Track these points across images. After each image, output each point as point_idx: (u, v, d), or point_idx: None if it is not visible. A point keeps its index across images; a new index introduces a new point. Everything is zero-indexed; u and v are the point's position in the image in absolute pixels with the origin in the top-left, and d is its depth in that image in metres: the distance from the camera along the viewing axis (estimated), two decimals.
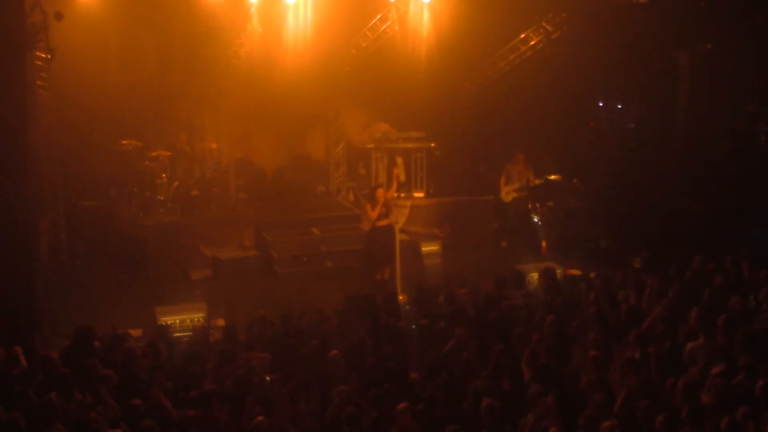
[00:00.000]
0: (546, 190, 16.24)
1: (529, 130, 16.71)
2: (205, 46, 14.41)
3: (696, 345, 8.51)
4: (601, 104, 18.15)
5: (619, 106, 18.00)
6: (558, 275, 12.09)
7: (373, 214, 13.08)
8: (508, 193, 15.55)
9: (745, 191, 14.33)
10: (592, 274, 12.01)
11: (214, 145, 16.13)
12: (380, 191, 13.26)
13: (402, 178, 16.23)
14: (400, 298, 11.54)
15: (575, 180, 16.31)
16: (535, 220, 16.02)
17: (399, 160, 16.49)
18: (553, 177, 16.12)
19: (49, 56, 12.26)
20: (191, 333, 10.25)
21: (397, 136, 16.33)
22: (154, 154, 14.96)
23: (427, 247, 15.50)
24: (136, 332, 10.32)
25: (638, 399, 7.26)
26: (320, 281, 13.68)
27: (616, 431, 6.61)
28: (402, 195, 16.00)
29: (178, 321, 10.82)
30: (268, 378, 8.20)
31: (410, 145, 16.34)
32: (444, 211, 16.20)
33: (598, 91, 17.49)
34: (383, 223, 13.02)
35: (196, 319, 10.85)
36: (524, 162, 15.48)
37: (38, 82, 12.29)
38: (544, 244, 15.48)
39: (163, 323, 10.63)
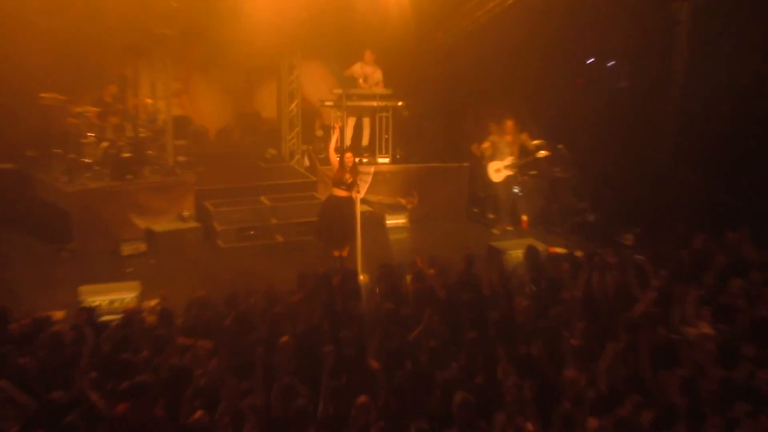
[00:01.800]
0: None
1: (509, 89, 16.66)
2: None
3: (695, 333, 8.57)
4: (590, 60, 18.16)
5: (611, 63, 18.08)
6: (540, 253, 12.14)
7: (333, 156, 12.94)
8: (498, 171, 15.34)
9: (748, 159, 14.38)
10: (578, 253, 12.16)
11: (149, 101, 15.87)
12: (349, 156, 12.85)
13: (365, 140, 16.34)
14: (361, 277, 11.53)
15: (560, 146, 16.13)
16: (516, 190, 15.93)
17: (366, 121, 16.47)
18: (535, 142, 15.88)
19: None
20: (121, 316, 9.96)
21: (360, 94, 16.24)
22: (79, 109, 14.63)
23: (393, 220, 15.66)
24: (58, 314, 10.17)
25: (627, 393, 7.28)
26: (270, 257, 13.73)
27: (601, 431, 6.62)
28: (364, 160, 15.96)
29: (106, 302, 10.75)
30: (209, 368, 8.10)
31: (375, 104, 16.18)
32: (412, 179, 16.19)
33: (587, 45, 17.39)
34: (342, 193, 12.71)
35: (126, 300, 10.80)
36: (514, 130, 15.27)
37: None
38: (524, 218, 15.67)
39: (89, 304, 10.42)
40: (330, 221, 12.90)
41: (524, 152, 15.31)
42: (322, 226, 13.13)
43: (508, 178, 15.30)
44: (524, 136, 15.23)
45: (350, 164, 12.65)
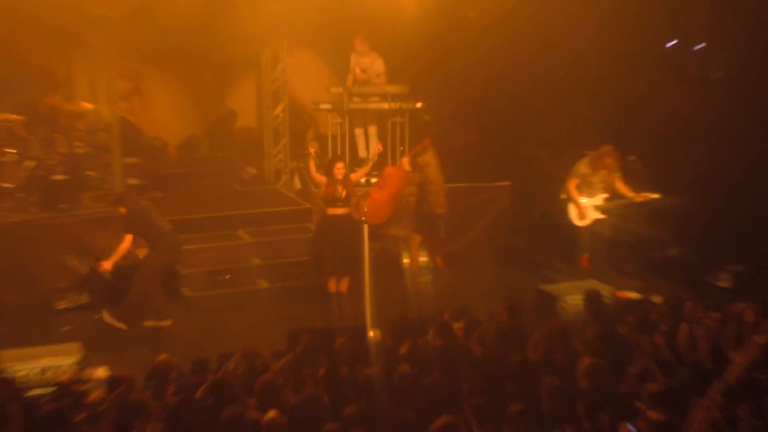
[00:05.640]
0: None
1: (562, 85, 16.91)
2: None
3: None
4: (671, 44, 18.07)
5: (700, 47, 17.93)
6: (606, 299, 12.35)
7: (317, 177, 13.88)
8: (583, 213, 15.13)
9: None
10: (657, 299, 12.30)
11: (87, 105, 16.06)
12: (340, 166, 13.69)
13: (367, 151, 16.74)
14: (370, 334, 11.53)
15: (632, 158, 16.12)
16: (569, 218, 15.70)
17: (372, 129, 16.85)
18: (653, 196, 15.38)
19: None
20: (56, 389, 9.93)
21: (367, 92, 16.63)
22: None
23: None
24: None
25: None
26: (251, 309, 14.03)
27: None
28: (373, 180, 16.17)
29: (36, 371, 10.82)
30: None
31: (385, 106, 16.51)
32: None
33: (667, 24, 17.29)
34: (338, 210, 13.68)
35: (63, 368, 10.84)
36: (613, 161, 14.84)
37: None
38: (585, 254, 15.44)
39: (13, 374, 10.45)
40: (325, 244, 13.82)
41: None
42: (316, 251, 14.02)
43: (598, 222, 15.03)
44: (616, 181, 14.94)
45: (341, 176, 13.52)
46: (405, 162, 14.74)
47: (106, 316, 12.95)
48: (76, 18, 14.80)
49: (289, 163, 18.03)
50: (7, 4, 14.47)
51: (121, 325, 12.95)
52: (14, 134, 14.81)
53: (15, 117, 14.94)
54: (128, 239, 12.84)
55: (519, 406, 8.56)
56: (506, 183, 16.56)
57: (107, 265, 12.88)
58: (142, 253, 13.63)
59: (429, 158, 14.96)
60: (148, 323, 13.13)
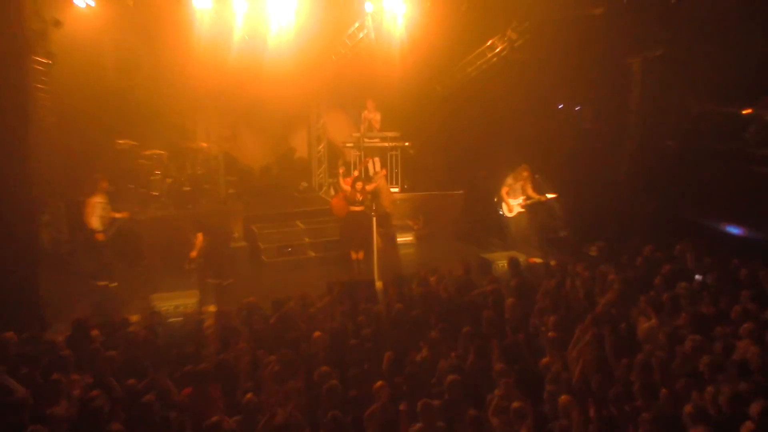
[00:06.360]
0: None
1: (495, 130, 16.69)
2: (195, 51, 13.91)
3: (648, 326, 8.62)
4: (560, 106, 18.06)
5: (577, 108, 17.93)
6: (522, 263, 12.29)
7: (345, 183, 13.68)
8: (511, 209, 14.86)
9: (691, 185, 14.48)
10: (552, 262, 12.25)
11: (204, 144, 16.07)
12: (359, 183, 13.66)
13: (374, 171, 16.38)
14: (377, 284, 11.65)
15: (537, 176, 15.72)
16: (501, 212, 15.52)
17: (377, 159, 16.68)
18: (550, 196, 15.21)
19: (49, 61, 12.15)
20: (184, 318, 10.26)
21: (374, 135, 16.49)
22: (148, 152, 14.83)
23: (402, 238, 15.75)
24: (134, 317, 10.36)
25: (592, 374, 7.37)
26: (303, 269, 13.99)
27: (572, 405, 6.71)
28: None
29: (172, 307, 10.82)
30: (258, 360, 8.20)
31: (386, 144, 16.46)
32: (417, 204, 16.36)
33: (558, 94, 17.34)
34: (357, 208, 13.43)
35: (188, 305, 10.87)
36: (528, 176, 14.79)
37: (38, 86, 12.09)
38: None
39: (158, 309, 10.62)
40: (350, 229, 13.63)
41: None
42: (344, 233, 13.86)
43: (519, 214, 14.84)
44: (530, 187, 14.76)
45: (359, 188, 13.45)
46: (353, 176, 14.03)
47: (209, 280, 12.78)
48: (198, 91, 14.88)
49: (327, 179, 17.82)
50: (157, 83, 14.76)
51: (218, 281, 12.79)
52: (161, 162, 14.86)
53: (162, 152, 15.01)
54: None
55: (468, 328, 8.71)
56: (461, 191, 16.45)
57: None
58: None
59: (378, 179, 15.18)
60: (225, 282, 12.92)
